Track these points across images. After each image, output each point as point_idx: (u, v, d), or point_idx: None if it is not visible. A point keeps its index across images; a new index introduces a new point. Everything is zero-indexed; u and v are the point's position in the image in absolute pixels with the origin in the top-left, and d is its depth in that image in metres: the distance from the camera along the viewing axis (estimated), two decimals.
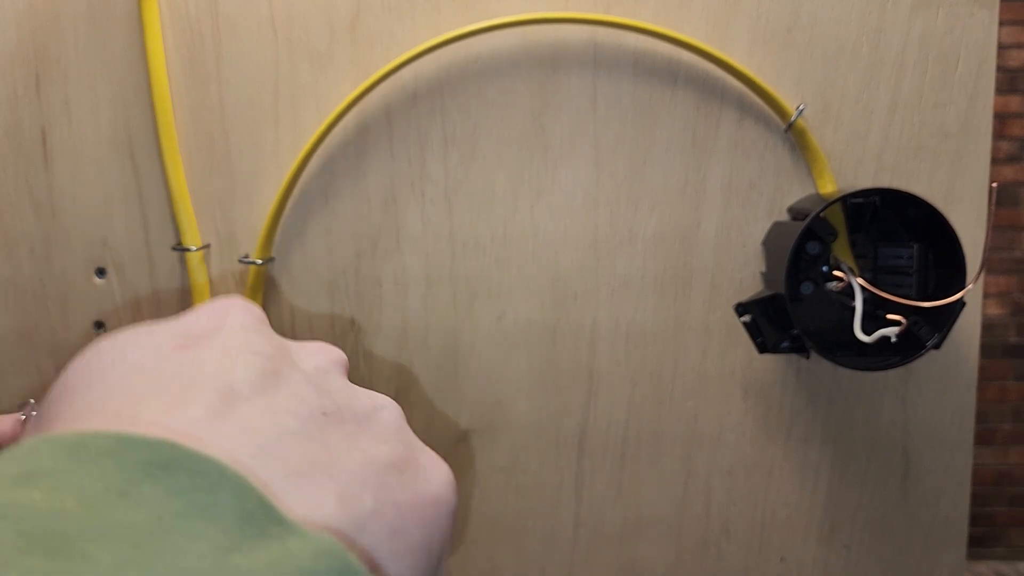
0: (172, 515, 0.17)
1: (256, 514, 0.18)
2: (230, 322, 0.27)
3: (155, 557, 0.16)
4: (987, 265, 0.55)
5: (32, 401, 0.44)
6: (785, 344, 0.58)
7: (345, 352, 0.62)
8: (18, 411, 0.45)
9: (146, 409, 0.22)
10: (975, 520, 2.43)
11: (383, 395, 0.28)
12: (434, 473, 0.26)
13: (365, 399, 0.27)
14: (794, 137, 0.60)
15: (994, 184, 0.57)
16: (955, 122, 0.60)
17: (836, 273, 0.56)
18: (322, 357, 0.29)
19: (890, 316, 0.55)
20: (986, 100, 0.60)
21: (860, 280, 0.55)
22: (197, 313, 0.27)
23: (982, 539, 2.49)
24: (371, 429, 0.26)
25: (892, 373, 0.62)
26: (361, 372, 0.62)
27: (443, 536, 0.24)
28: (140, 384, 0.23)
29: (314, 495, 0.21)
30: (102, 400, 0.23)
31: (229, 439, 0.21)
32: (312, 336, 0.62)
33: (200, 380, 0.23)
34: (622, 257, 0.62)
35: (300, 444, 0.22)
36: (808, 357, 0.61)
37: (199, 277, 0.60)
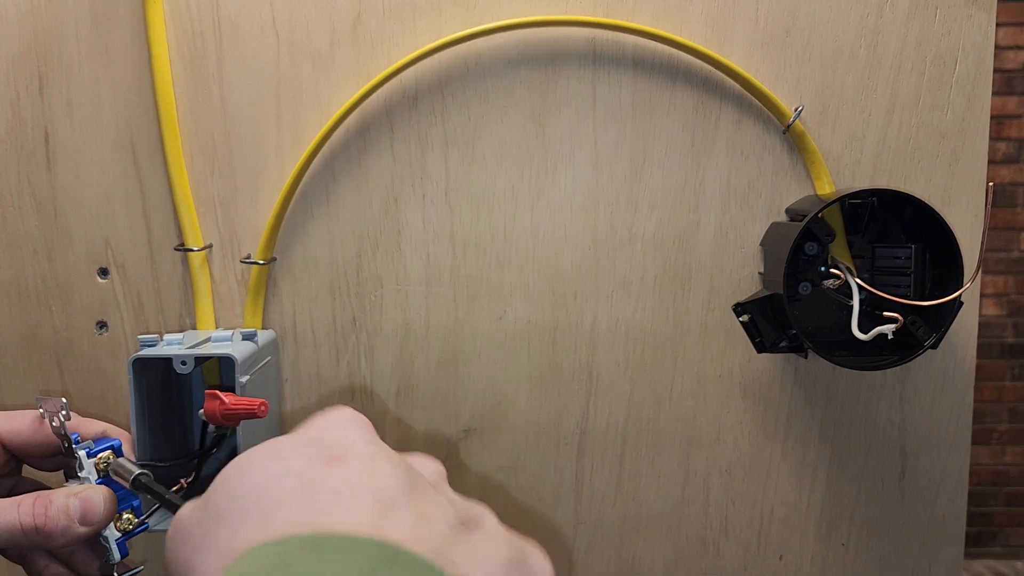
0: None
1: None
2: (357, 436, 0.31)
3: None
4: (984, 265, 0.56)
5: (64, 400, 0.44)
6: (783, 344, 0.58)
7: (346, 352, 0.63)
8: (37, 407, 0.45)
9: (333, 517, 0.26)
10: (972, 519, 2.44)
11: (475, 501, 0.32)
12: (541, 567, 0.30)
13: (473, 507, 0.31)
14: (792, 138, 0.60)
15: (990, 184, 0.57)
16: (952, 123, 0.60)
17: (833, 271, 0.56)
18: (432, 467, 0.33)
19: (887, 313, 0.55)
20: (983, 101, 0.60)
21: (857, 280, 0.56)
22: (324, 425, 0.32)
23: (979, 538, 2.50)
24: (489, 533, 0.30)
25: (890, 373, 0.62)
26: (363, 372, 0.63)
27: None
28: (311, 493, 0.27)
29: None
30: (284, 507, 0.27)
31: (415, 543, 0.25)
32: (314, 335, 0.62)
33: (357, 492, 0.27)
34: (621, 258, 0.62)
35: (458, 546, 0.26)
36: (806, 357, 0.61)
37: (201, 277, 0.60)
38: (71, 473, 0.46)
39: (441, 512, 0.28)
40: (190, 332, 0.58)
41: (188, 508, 0.30)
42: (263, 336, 0.59)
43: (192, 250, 0.60)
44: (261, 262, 0.60)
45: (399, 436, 0.63)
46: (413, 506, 0.27)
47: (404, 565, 0.24)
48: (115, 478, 0.45)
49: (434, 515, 0.27)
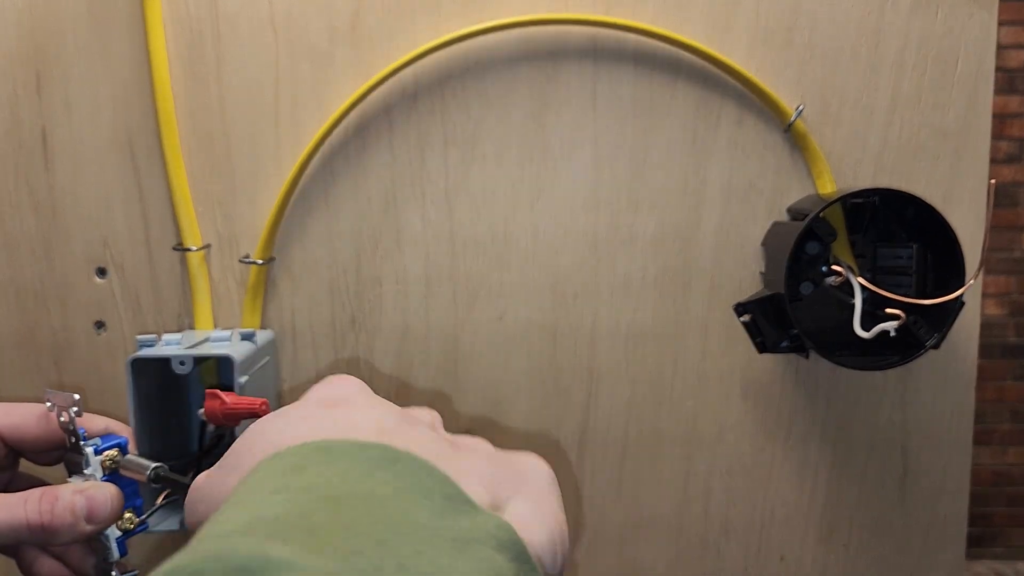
0: (401, 490, 0.25)
1: (455, 496, 0.26)
2: (355, 390, 0.34)
3: (396, 514, 0.24)
4: (986, 265, 0.55)
5: (77, 396, 0.44)
6: (784, 344, 0.58)
7: (345, 352, 0.63)
8: (44, 400, 0.45)
9: (344, 433, 0.29)
10: (973, 520, 2.43)
11: (475, 436, 0.35)
12: (533, 463, 0.33)
13: (468, 439, 0.34)
14: (793, 137, 0.60)
15: (992, 182, 0.57)
16: (954, 122, 0.60)
17: (834, 268, 0.56)
18: (428, 413, 0.36)
19: (889, 311, 0.55)
20: (985, 100, 0.60)
21: (859, 278, 0.55)
22: (321, 387, 0.35)
23: (980, 539, 2.49)
24: (481, 452, 0.33)
25: (891, 373, 0.62)
26: (362, 371, 0.62)
27: (560, 507, 0.32)
28: (317, 424, 0.30)
29: (474, 491, 0.28)
30: (293, 432, 0.29)
31: (416, 451, 0.28)
32: (313, 335, 0.62)
33: (360, 422, 0.30)
34: (622, 257, 0.62)
35: (451, 461, 0.29)
36: (807, 357, 0.61)
37: (199, 277, 0.60)
38: (75, 469, 0.45)
39: (436, 436, 0.31)
40: (188, 332, 0.57)
41: (203, 475, 0.32)
42: (262, 336, 0.59)
43: (190, 250, 0.60)
44: (260, 262, 0.60)
45: None
46: (411, 429, 0.31)
47: (407, 463, 0.27)
48: (126, 474, 0.45)
49: (430, 436, 0.31)
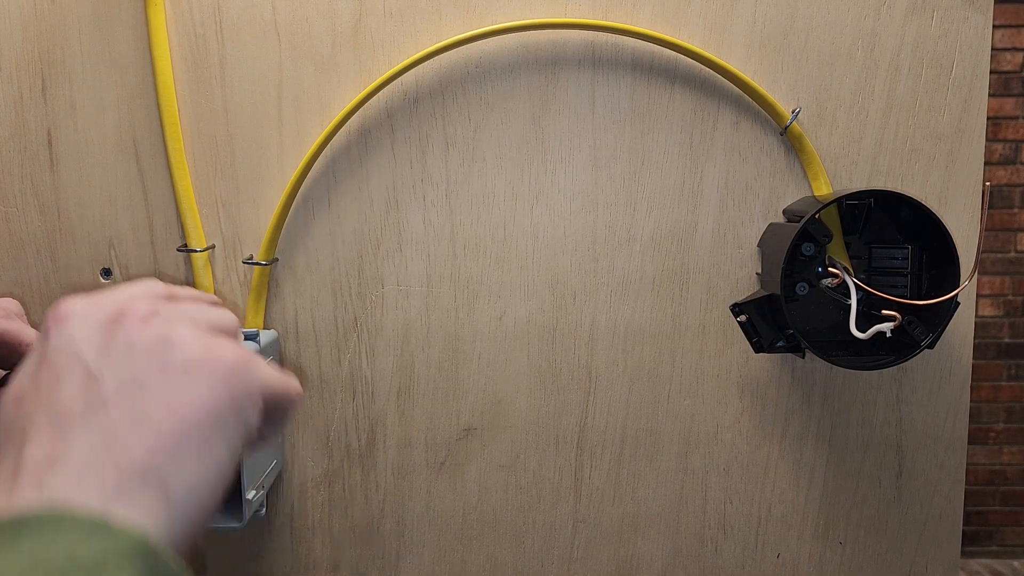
0: None
1: None
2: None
3: None
4: (980, 266, 0.56)
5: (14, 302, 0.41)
6: (780, 344, 0.58)
7: (348, 352, 0.63)
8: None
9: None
10: (969, 518, 2.44)
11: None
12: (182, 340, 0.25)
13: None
14: (790, 140, 0.61)
15: (987, 183, 0.58)
16: (949, 125, 0.61)
17: (831, 269, 0.57)
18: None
19: (885, 311, 0.56)
20: (980, 103, 0.61)
21: (854, 279, 0.56)
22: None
23: (976, 537, 2.50)
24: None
25: (886, 372, 0.63)
26: (364, 371, 0.63)
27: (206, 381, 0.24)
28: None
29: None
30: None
31: None
32: (316, 335, 0.63)
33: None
34: (620, 258, 0.62)
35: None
36: (803, 356, 0.62)
37: (204, 278, 0.61)
38: None
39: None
40: None
41: None
42: (265, 336, 0.59)
43: (195, 251, 0.60)
44: (263, 263, 0.60)
45: (400, 434, 0.64)
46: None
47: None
48: None
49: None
